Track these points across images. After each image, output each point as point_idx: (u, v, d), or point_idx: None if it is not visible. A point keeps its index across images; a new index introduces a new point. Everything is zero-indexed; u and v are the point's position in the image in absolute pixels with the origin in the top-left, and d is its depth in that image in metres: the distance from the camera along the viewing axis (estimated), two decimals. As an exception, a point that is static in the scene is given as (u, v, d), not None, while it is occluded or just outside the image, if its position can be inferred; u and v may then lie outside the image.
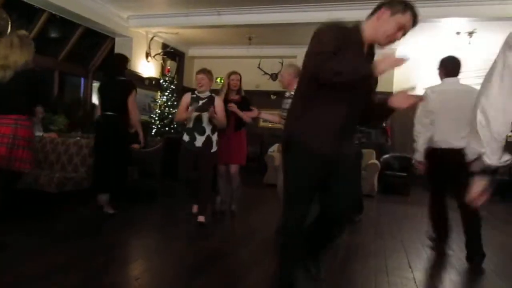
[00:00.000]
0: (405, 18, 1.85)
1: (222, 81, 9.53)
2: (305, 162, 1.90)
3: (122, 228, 3.71)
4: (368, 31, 1.93)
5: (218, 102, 4.00)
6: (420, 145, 3.30)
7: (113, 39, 7.75)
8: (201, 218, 3.91)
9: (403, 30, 1.90)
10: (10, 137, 2.76)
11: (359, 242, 3.75)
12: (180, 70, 9.28)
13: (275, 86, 8.60)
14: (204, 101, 3.96)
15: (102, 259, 2.78)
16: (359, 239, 3.86)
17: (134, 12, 7.25)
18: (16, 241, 2.96)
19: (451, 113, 3.17)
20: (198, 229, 3.79)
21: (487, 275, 2.98)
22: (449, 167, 3.07)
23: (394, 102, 1.96)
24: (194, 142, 3.90)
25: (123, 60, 4.36)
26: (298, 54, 8.52)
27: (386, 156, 7.67)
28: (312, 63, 1.82)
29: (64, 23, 6.94)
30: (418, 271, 2.94)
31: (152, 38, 8.01)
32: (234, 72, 4.68)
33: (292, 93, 2.92)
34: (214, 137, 3.97)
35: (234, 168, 4.39)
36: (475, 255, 3.07)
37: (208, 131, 3.92)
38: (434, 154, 3.23)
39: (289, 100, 3.09)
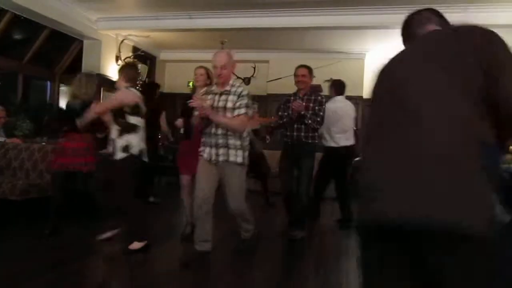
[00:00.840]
0: None
1: (193, 85, 9.53)
2: None
3: (89, 235, 3.58)
4: None
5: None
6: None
7: (81, 41, 7.54)
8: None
9: None
10: None
11: (333, 242, 3.79)
12: (151, 74, 9.13)
13: (248, 90, 8.60)
14: None
15: (68, 267, 2.67)
16: (333, 239, 3.90)
17: (103, 14, 7.07)
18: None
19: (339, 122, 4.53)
20: (169, 234, 3.70)
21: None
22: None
23: None
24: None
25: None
26: (270, 58, 8.59)
27: (356, 158, 7.81)
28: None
29: (29, 24, 6.68)
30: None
31: (122, 41, 7.84)
32: (200, 67, 4.17)
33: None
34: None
35: None
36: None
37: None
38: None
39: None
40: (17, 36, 7.20)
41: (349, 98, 8.66)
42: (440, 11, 5.08)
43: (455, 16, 6.15)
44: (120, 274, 2.86)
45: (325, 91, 6.88)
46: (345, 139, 4.55)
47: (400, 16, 6.65)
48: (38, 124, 6.93)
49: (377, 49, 8.17)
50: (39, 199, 3.95)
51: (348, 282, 2.72)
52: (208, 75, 3.93)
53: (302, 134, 3.99)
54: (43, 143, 4.73)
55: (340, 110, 4.55)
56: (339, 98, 4.64)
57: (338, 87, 4.68)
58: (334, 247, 3.72)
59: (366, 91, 8.58)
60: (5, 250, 3.03)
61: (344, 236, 4.09)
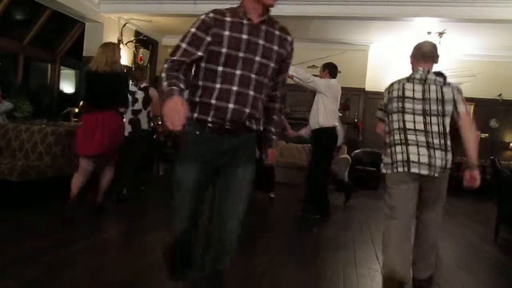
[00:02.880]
0: None
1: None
2: None
3: (86, 220, 3.59)
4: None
5: None
6: None
7: (83, 24, 7.46)
8: None
9: None
10: None
11: (329, 235, 3.81)
12: (153, 59, 9.06)
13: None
14: None
15: (63, 252, 2.68)
16: (329, 232, 3.92)
17: (106, -3, 7.00)
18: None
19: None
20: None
21: (450, 268, 3.09)
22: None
23: None
24: None
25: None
26: (273, 47, 8.51)
27: (357, 151, 7.82)
28: None
29: (30, 4, 6.61)
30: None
31: (124, 25, 7.76)
32: None
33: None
34: None
35: None
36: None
37: None
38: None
39: None
40: (18, 17, 7.12)
41: (351, 89, 8.60)
42: (448, 4, 5.14)
43: (462, 10, 6.11)
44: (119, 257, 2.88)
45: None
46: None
47: (405, 8, 6.65)
48: (38, 106, 6.91)
49: (381, 41, 8.10)
50: (38, 181, 3.96)
51: (346, 273, 2.75)
52: None
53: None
54: (43, 125, 4.72)
55: (338, 92, 4.55)
56: (334, 81, 4.54)
57: (332, 69, 4.56)
58: (331, 239, 3.74)
59: (369, 83, 8.54)
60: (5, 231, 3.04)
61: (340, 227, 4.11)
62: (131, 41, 8.04)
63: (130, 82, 4.44)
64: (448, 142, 2.29)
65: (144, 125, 4.61)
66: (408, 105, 2.31)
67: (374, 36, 7.82)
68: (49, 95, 7.56)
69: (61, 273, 2.32)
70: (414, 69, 2.41)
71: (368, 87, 8.56)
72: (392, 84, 2.45)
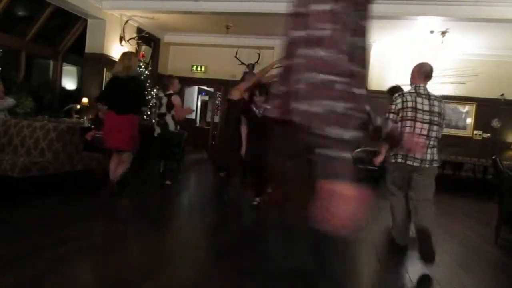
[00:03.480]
0: None
1: (198, 68, 9.46)
2: None
3: (88, 217, 3.60)
4: None
5: None
6: None
7: (86, 20, 7.46)
8: None
9: None
10: None
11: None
12: (155, 56, 9.06)
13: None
14: None
15: (67, 248, 2.69)
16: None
17: (108, -6, 6.99)
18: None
19: None
20: (165, 220, 3.73)
21: (451, 267, 3.09)
22: None
23: None
24: None
25: None
26: (276, 45, 8.50)
27: (358, 150, 7.81)
28: None
29: (32, 1, 6.61)
30: (384, 261, 3.01)
31: (126, 22, 7.76)
32: None
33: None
34: None
35: None
36: None
37: None
38: None
39: None
40: (20, 13, 7.12)
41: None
42: (451, 3, 5.09)
43: (465, 9, 6.09)
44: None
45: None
46: None
47: (408, 6, 6.63)
48: (40, 103, 6.92)
49: (383, 39, 8.08)
50: (40, 177, 3.97)
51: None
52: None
53: None
54: (44, 121, 4.72)
55: None
56: None
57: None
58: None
59: (371, 82, 8.52)
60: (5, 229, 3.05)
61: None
62: (133, 38, 8.04)
63: (157, 87, 5.20)
64: (437, 144, 3.02)
65: (172, 127, 5.21)
66: (419, 115, 2.98)
67: (377, 34, 7.80)
68: (51, 92, 7.57)
69: (63, 270, 2.32)
70: (416, 84, 3.05)
71: (370, 86, 8.54)
72: (404, 95, 3.06)
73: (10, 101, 5.21)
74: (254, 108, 4.31)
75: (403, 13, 6.13)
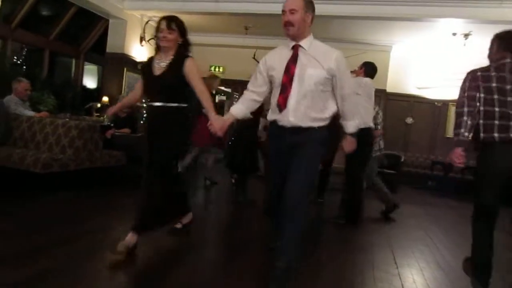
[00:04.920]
0: None
1: (216, 69, 9.51)
2: None
3: (105, 213, 3.66)
4: None
5: None
6: None
7: (107, 20, 7.61)
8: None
9: None
10: None
11: (346, 237, 3.77)
12: (174, 56, 9.15)
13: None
14: None
15: (84, 243, 2.74)
16: (346, 234, 3.88)
17: (130, -6, 7.11)
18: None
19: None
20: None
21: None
22: None
23: None
24: None
25: None
26: (294, 46, 8.48)
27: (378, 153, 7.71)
28: None
29: (57, 1, 6.78)
30: (403, 267, 2.97)
31: (147, 22, 7.87)
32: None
33: None
34: None
35: None
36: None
37: None
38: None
39: None
40: (44, 13, 7.31)
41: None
42: (475, 5, 5.00)
43: (489, 11, 5.97)
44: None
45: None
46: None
47: (429, 8, 6.51)
48: (62, 100, 7.08)
49: (404, 42, 7.97)
50: (60, 173, 4.07)
51: (363, 277, 2.72)
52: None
53: None
54: (66, 119, 4.83)
55: (371, 90, 4.20)
56: (367, 79, 4.16)
57: (370, 70, 4.23)
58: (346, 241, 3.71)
59: (390, 84, 8.41)
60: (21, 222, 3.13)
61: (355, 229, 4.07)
62: (153, 39, 8.12)
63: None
64: None
65: None
66: None
67: (397, 36, 7.69)
68: (73, 90, 7.74)
69: (83, 263, 2.37)
70: None
71: (389, 89, 8.44)
72: None
73: (30, 113, 4.98)
74: None
75: (425, 15, 6.03)
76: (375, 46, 8.13)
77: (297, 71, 2.24)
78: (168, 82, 2.62)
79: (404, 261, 3.16)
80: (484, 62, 2.46)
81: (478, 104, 2.23)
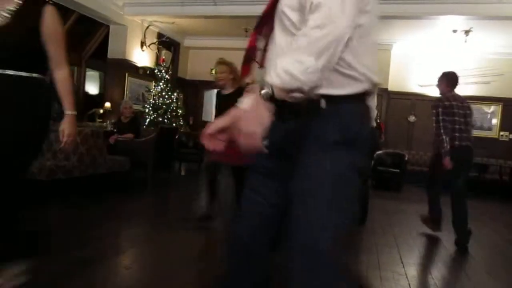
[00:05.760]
0: None
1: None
2: None
3: (111, 218, 3.68)
4: None
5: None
6: None
7: (108, 26, 7.64)
8: None
9: None
10: None
11: (351, 237, 3.76)
12: (175, 60, 9.19)
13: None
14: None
15: (91, 249, 2.75)
16: (351, 234, 3.87)
17: (130, 0, 7.14)
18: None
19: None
20: (189, 220, 3.77)
21: (477, 273, 3.00)
22: None
23: None
24: None
25: None
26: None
27: (379, 152, 7.69)
28: None
29: (57, 8, 6.81)
30: (409, 267, 2.95)
31: (147, 27, 7.91)
32: (218, 62, 4.04)
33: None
34: None
35: None
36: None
37: None
38: None
39: None
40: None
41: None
42: (474, 2, 5.03)
43: (489, 7, 5.93)
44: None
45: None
46: None
47: (429, 6, 6.50)
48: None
49: (405, 40, 7.96)
50: (65, 180, 4.08)
51: (369, 277, 2.72)
52: (231, 70, 3.85)
53: None
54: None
55: None
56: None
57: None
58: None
59: (392, 83, 8.40)
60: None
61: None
62: (154, 43, 8.17)
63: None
64: None
65: None
66: None
67: (398, 35, 7.68)
68: (76, 97, 7.76)
69: (88, 270, 2.38)
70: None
71: (391, 87, 8.42)
72: None
73: None
74: None
75: (425, 13, 6.02)
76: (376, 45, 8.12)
77: None
78: (11, 39, 1.71)
79: (410, 260, 3.15)
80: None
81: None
